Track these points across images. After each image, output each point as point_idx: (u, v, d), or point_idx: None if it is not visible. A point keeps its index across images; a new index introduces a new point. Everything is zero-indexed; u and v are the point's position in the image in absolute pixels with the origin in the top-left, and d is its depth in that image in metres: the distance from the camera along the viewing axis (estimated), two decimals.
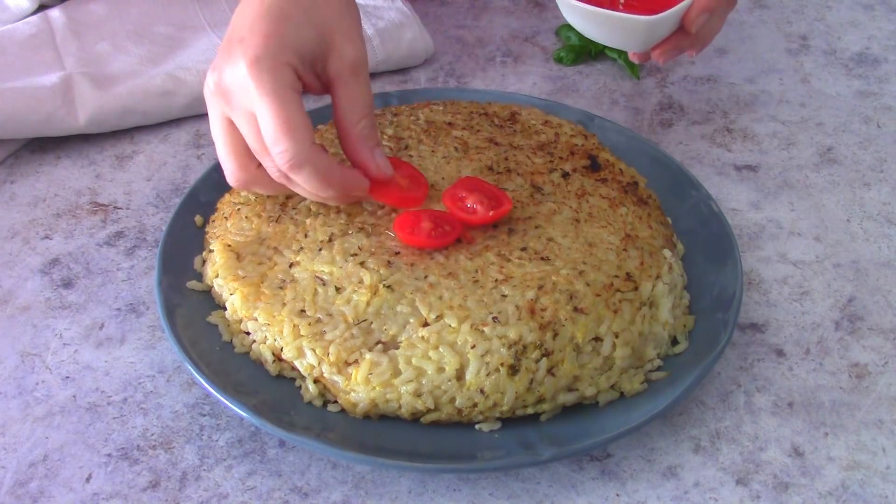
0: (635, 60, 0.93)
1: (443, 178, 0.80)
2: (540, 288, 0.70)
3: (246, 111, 0.68)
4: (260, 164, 0.71)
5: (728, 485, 0.67)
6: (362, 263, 0.72)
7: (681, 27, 0.86)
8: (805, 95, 1.05)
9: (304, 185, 0.70)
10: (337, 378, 0.67)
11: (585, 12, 0.85)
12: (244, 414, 0.65)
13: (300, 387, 0.69)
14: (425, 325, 0.68)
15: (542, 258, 0.73)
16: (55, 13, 1.05)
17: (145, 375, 0.74)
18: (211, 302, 0.75)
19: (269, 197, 0.80)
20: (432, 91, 0.96)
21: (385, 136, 0.86)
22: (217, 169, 0.85)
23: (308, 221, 0.77)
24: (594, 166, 0.84)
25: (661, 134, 0.99)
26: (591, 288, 0.71)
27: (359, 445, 0.65)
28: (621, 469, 0.68)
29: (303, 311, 0.70)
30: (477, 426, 0.67)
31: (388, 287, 0.70)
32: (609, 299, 0.71)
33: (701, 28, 0.85)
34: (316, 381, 0.68)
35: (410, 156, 0.83)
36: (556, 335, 0.68)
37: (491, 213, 0.75)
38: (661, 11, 0.84)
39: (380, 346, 0.68)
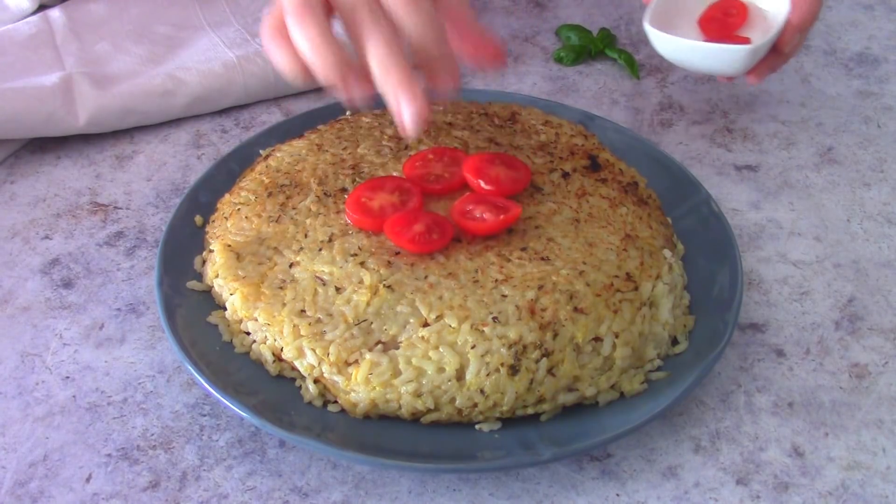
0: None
1: None
2: (540, 288, 0.70)
3: None
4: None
5: (728, 485, 0.67)
6: (362, 263, 0.72)
7: (773, 47, 0.87)
8: (805, 95, 1.05)
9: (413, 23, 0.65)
10: (337, 378, 0.67)
11: (684, 46, 0.87)
12: (244, 414, 0.65)
13: (300, 387, 0.69)
14: (425, 325, 0.68)
15: (542, 258, 0.73)
16: (55, 13, 1.05)
17: (145, 375, 0.74)
18: (211, 302, 0.75)
19: (269, 196, 0.80)
20: (432, 91, 0.96)
21: (385, 136, 0.86)
22: (217, 169, 0.86)
23: (308, 221, 0.77)
24: (594, 166, 0.84)
25: (661, 134, 0.99)
26: (592, 288, 0.71)
27: (359, 445, 0.65)
28: (621, 469, 0.68)
29: (303, 311, 0.70)
30: (477, 426, 0.67)
31: (389, 287, 0.70)
32: (609, 299, 0.71)
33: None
34: (316, 381, 0.68)
35: (410, 156, 0.83)
36: (556, 335, 0.68)
37: (501, 217, 0.74)
38: (733, 31, 0.90)
39: (380, 346, 0.68)
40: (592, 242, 0.75)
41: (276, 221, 0.77)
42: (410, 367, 0.66)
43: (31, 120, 0.92)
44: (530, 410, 0.68)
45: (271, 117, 1.00)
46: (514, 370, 0.66)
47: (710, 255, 0.79)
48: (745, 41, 0.89)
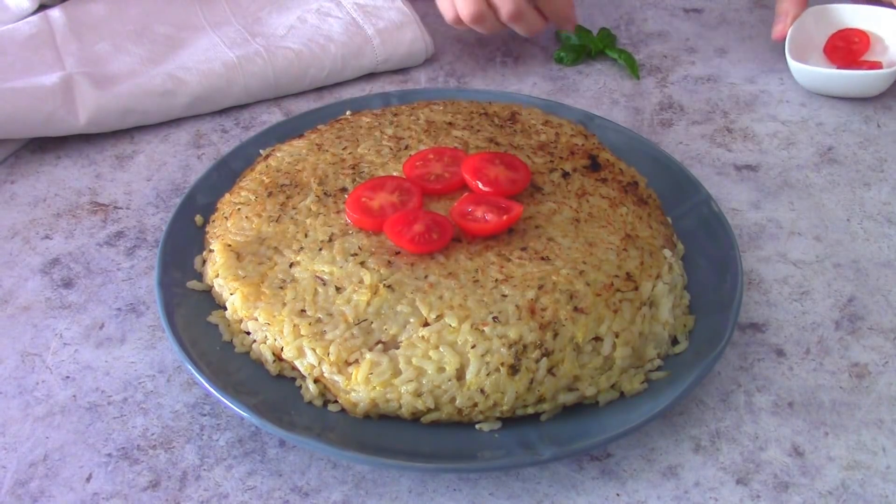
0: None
1: None
2: (540, 288, 0.70)
3: None
4: (490, 5, 0.99)
5: (728, 484, 0.67)
6: (362, 263, 0.72)
7: None
8: (805, 95, 1.05)
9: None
10: (337, 378, 0.67)
11: (828, 75, 1.02)
12: (244, 414, 0.65)
13: (300, 387, 0.69)
14: (425, 324, 0.68)
15: (543, 258, 0.73)
16: (55, 13, 1.05)
17: (145, 375, 0.74)
18: (211, 302, 0.75)
19: (269, 196, 0.80)
20: (432, 91, 0.96)
21: (385, 136, 0.86)
22: (217, 169, 0.86)
23: (308, 221, 0.77)
24: (594, 166, 0.84)
25: (661, 134, 0.99)
26: (592, 288, 0.71)
27: (359, 445, 0.65)
28: (621, 469, 0.68)
29: (303, 310, 0.70)
30: (477, 426, 0.67)
31: (389, 287, 0.70)
32: (609, 299, 0.71)
33: None
34: (316, 381, 0.68)
35: (410, 156, 0.83)
36: (556, 335, 0.68)
37: (504, 218, 0.74)
38: (859, 57, 1.04)
39: (380, 345, 0.68)
40: (592, 242, 0.75)
41: (277, 221, 0.77)
42: (410, 366, 0.66)
43: (31, 120, 0.92)
44: (530, 410, 0.68)
45: (271, 117, 1.00)
46: (514, 370, 0.66)
47: (710, 255, 0.79)
48: (876, 65, 1.03)
